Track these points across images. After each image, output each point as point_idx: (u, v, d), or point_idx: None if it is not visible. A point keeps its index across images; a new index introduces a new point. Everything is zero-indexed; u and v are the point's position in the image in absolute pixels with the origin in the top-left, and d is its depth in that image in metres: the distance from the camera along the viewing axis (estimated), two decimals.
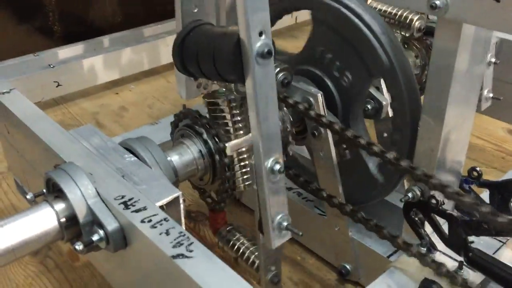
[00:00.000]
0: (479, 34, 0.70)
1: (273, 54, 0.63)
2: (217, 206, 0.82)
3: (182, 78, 0.83)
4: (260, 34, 0.61)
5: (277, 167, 0.68)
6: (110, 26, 1.89)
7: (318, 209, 0.98)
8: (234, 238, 0.83)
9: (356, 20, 0.81)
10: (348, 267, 0.94)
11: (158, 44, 1.74)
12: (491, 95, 1.09)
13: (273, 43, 0.64)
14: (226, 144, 0.79)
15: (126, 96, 1.69)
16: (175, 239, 0.59)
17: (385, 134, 0.97)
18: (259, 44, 0.61)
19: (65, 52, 1.64)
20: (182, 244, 0.58)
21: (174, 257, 0.56)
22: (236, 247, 0.83)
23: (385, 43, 0.80)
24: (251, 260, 0.83)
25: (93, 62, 1.62)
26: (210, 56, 0.66)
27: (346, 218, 0.90)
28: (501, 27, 0.62)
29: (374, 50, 0.80)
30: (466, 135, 0.79)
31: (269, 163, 0.68)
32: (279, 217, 0.71)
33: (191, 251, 0.57)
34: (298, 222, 1.03)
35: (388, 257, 0.87)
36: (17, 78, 1.46)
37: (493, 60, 1.04)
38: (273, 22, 1.03)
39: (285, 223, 0.72)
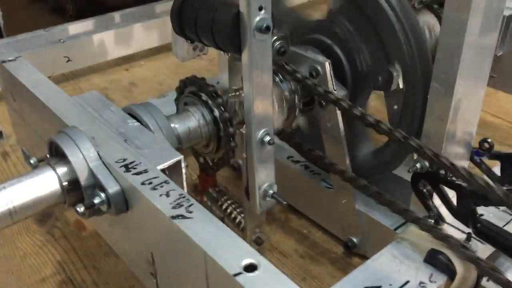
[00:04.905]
0: (491, 2, 0.67)
1: (271, 29, 0.64)
2: (210, 170, 0.82)
3: (179, 39, 0.82)
4: (260, 8, 0.62)
5: (267, 138, 0.71)
6: (122, 5, 1.87)
7: (325, 182, 0.97)
8: (223, 199, 0.85)
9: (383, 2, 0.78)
10: (354, 240, 0.93)
11: (169, 20, 1.72)
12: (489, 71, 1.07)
13: (273, 17, 0.64)
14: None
15: (136, 72, 1.69)
16: (175, 201, 0.58)
17: (395, 107, 0.94)
18: (258, 18, 0.62)
19: (75, 27, 1.63)
20: (181, 206, 0.58)
21: (173, 217, 0.56)
22: (224, 207, 0.85)
23: (408, 29, 0.78)
24: (237, 220, 0.85)
25: (104, 38, 1.61)
26: (208, 25, 0.66)
27: (353, 190, 0.89)
28: None
29: (396, 37, 0.78)
30: (477, 105, 0.77)
31: (259, 134, 0.71)
32: (265, 185, 0.75)
33: (190, 212, 0.57)
34: (305, 195, 1.03)
35: (395, 229, 0.86)
36: (27, 52, 1.45)
37: None
38: None
39: (271, 191, 0.75)
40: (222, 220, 0.87)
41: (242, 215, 0.83)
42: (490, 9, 0.68)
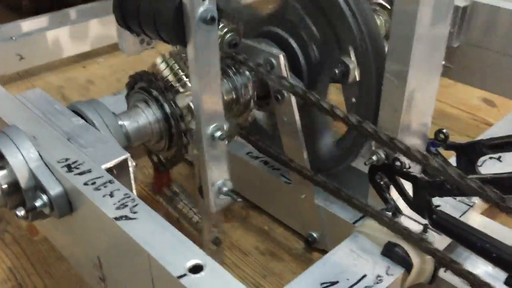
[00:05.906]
0: None
1: (216, 20, 0.61)
2: (161, 168, 0.80)
3: (124, 32, 0.78)
4: None
5: (218, 134, 0.68)
6: (82, 2, 1.82)
7: (284, 177, 0.95)
8: (177, 198, 0.83)
9: None
10: (314, 235, 0.92)
11: None
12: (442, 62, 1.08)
13: (218, 8, 0.62)
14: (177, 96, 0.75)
15: (93, 69, 1.64)
16: (119, 201, 0.56)
17: (353, 100, 0.93)
18: (202, 9, 0.59)
19: (28, 24, 1.58)
20: (126, 206, 0.55)
21: (116, 218, 0.53)
22: (179, 207, 0.82)
23: (357, 12, 0.77)
24: (193, 220, 0.83)
25: (58, 34, 1.56)
26: (151, 16, 0.63)
27: (312, 185, 0.87)
28: None
29: (348, 26, 0.77)
30: (431, 96, 0.77)
31: (209, 129, 0.68)
32: (219, 182, 0.72)
33: (135, 212, 0.54)
34: (265, 191, 1.01)
35: (354, 223, 0.85)
36: None
37: None
38: None
39: (225, 188, 0.72)
40: (178, 221, 0.84)
41: (197, 215, 0.81)
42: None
